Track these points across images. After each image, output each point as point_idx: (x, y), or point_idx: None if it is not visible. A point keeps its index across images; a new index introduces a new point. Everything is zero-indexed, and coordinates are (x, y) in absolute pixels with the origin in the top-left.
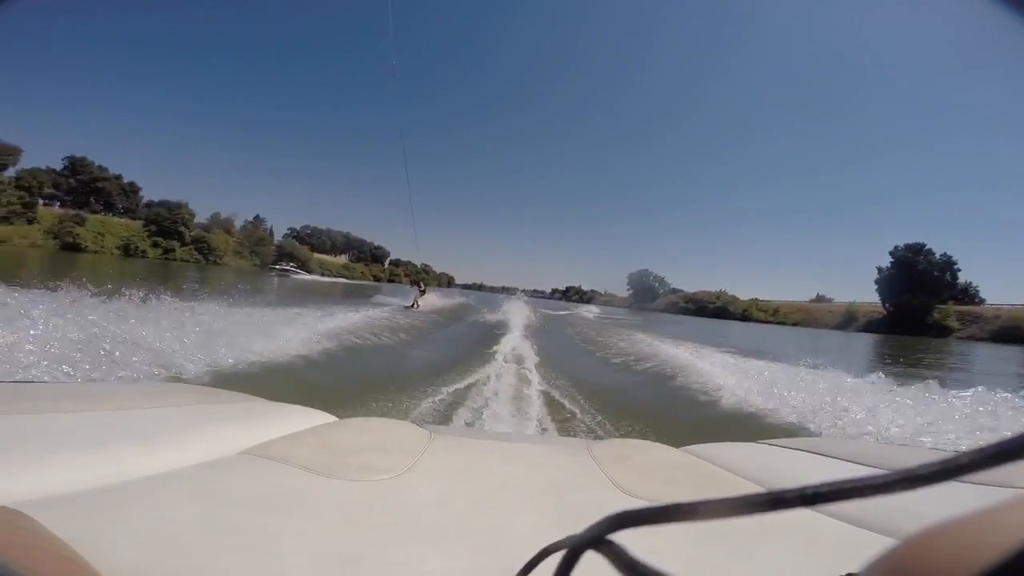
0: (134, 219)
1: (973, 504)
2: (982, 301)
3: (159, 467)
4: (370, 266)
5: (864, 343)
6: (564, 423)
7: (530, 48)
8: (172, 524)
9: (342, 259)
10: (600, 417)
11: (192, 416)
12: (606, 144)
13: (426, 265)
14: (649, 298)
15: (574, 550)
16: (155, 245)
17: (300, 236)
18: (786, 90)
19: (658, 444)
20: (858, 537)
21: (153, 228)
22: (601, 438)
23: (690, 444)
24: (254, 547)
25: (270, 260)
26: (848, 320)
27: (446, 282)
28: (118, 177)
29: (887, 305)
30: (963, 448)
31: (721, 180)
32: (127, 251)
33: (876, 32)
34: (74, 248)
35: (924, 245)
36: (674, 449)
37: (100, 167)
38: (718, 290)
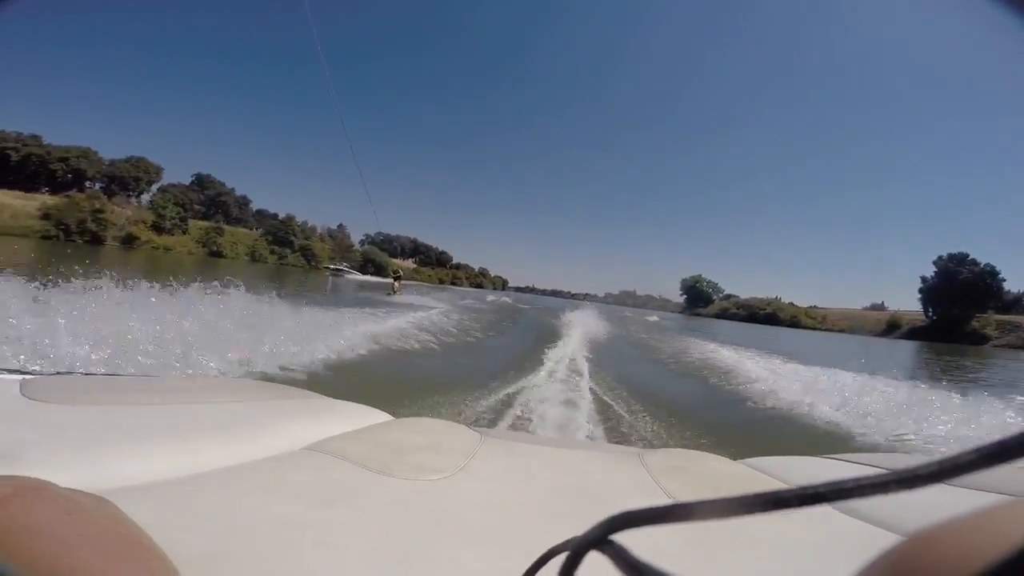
0: (248, 228)
1: (977, 503)
2: None
3: (230, 459)
4: (436, 269)
5: (895, 347)
6: (613, 423)
7: (595, 51)
8: (240, 515)
9: (410, 263)
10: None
11: (260, 411)
12: (664, 148)
13: (484, 269)
14: (702, 303)
15: (577, 551)
16: (272, 252)
17: (374, 242)
18: (845, 100)
19: (715, 456)
20: (864, 534)
21: (270, 237)
22: (654, 447)
23: (750, 456)
24: (313, 540)
25: (356, 265)
26: (891, 328)
27: (500, 284)
28: (232, 191)
29: (929, 313)
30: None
31: (782, 189)
32: (253, 257)
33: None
34: (217, 255)
35: (967, 255)
36: (732, 461)
37: (220, 182)
38: (773, 297)
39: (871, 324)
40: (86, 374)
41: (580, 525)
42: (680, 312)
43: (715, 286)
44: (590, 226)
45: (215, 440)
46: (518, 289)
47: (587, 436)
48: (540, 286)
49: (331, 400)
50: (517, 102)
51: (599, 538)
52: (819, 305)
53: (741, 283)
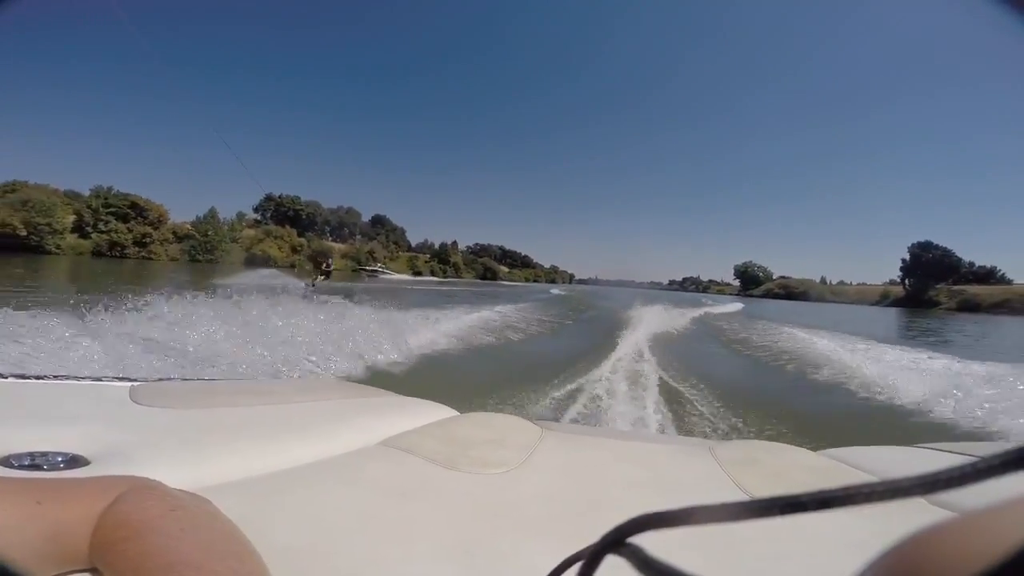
0: (412, 251)
1: (978, 503)
2: (1004, 280)
3: (314, 455)
4: (523, 271)
5: (881, 313)
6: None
7: (654, 42)
8: (323, 508)
9: (503, 268)
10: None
11: (339, 409)
12: (722, 138)
13: (555, 266)
14: (753, 286)
15: (594, 555)
16: (441, 270)
17: (473, 251)
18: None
19: (792, 447)
20: (866, 533)
21: (435, 260)
22: (728, 438)
23: (829, 447)
24: (388, 533)
25: (478, 275)
26: (883, 298)
27: (568, 279)
28: (396, 228)
29: (905, 285)
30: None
31: (821, 177)
32: (432, 272)
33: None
34: (416, 274)
35: (931, 242)
36: (810, 452)
37: (388, 218)
38: (808, 277)
39: (872, 296)
40: (184, 380)
41: None
42: (736, 294)
43: (764, 269)
44: (652, 214)
45: (299, 437)
46: (580, 281)
47: (657, 428)
48: (604, 277)
49: (401, 397)
50: (573, 100)
51: (617, 541)
52: (845, 281)
53: (788, 264)
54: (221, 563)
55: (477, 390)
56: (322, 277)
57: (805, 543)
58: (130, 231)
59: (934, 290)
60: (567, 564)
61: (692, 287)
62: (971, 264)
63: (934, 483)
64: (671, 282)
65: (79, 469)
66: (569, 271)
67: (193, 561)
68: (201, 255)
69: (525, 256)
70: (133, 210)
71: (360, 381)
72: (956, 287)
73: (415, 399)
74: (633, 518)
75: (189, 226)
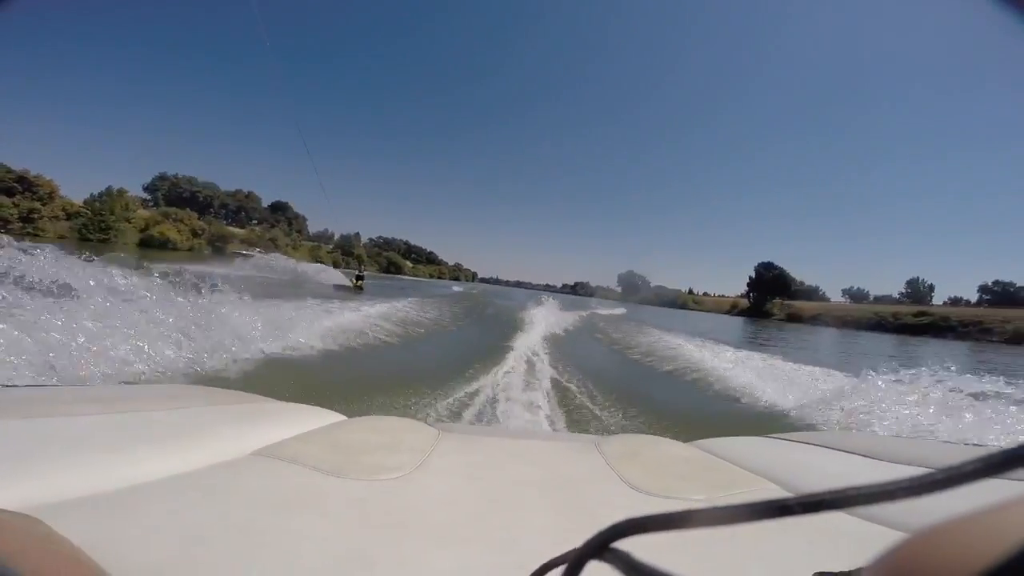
0: (310, 241)
1: (980, 502)
2: (824, 298)
3: (172, 469)
4: (427, 267)
5: (726, 320)
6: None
7: (544, 55)
8: (185, 525)
9: (408, 263)
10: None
11: (204, 417)
12: (612, 150)
13: (459, 264)
14: (633, 293)
15: (579, 559)
16: (344, 262)
17: (377, 244)
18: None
19: (667, 439)
20: (866, 532)
21: (339, 251)
22: (612, 433)
23: (698, 437)
24: (266, 547)
25: (381, 268)
26: (732, 308)
27: (471, 277)
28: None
29: (750, 298)
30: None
31: (699, 190)
32: (335, 264)
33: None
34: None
35: (772, 263)
36: (683, 444)
37: (290, 205)
38: (683, 289)
39: (725, 306)
40: (7, 386)
41: (542, 517)
42: (618, 299)
43: (643, 278)
44: (550, 222)
45: (155, 449)
46: (483, 280)
47: (550, 424)
48: (504, 277)
49: (280, 403)
50: (488, 101)
51: (602, 545)
52: (708, 292)
53: (664, 275)
54: None
55: (368, 393)
56: (359, 282)
57: (795, 545)
58: (16, 205)
59: (770, 303)
60: (546, 568)
61: (582, 291)
62: (801, 283)
63: (923, 486)
64: (564, 285)
65: None
66: (473, 269)
67: None
68: (93, 234)
69: (430, 252)
70: (20, 184)
71: (228, 386)
72: (787, 301)
73: (295, 404)
74: (618, 522)
75: (81, 204)
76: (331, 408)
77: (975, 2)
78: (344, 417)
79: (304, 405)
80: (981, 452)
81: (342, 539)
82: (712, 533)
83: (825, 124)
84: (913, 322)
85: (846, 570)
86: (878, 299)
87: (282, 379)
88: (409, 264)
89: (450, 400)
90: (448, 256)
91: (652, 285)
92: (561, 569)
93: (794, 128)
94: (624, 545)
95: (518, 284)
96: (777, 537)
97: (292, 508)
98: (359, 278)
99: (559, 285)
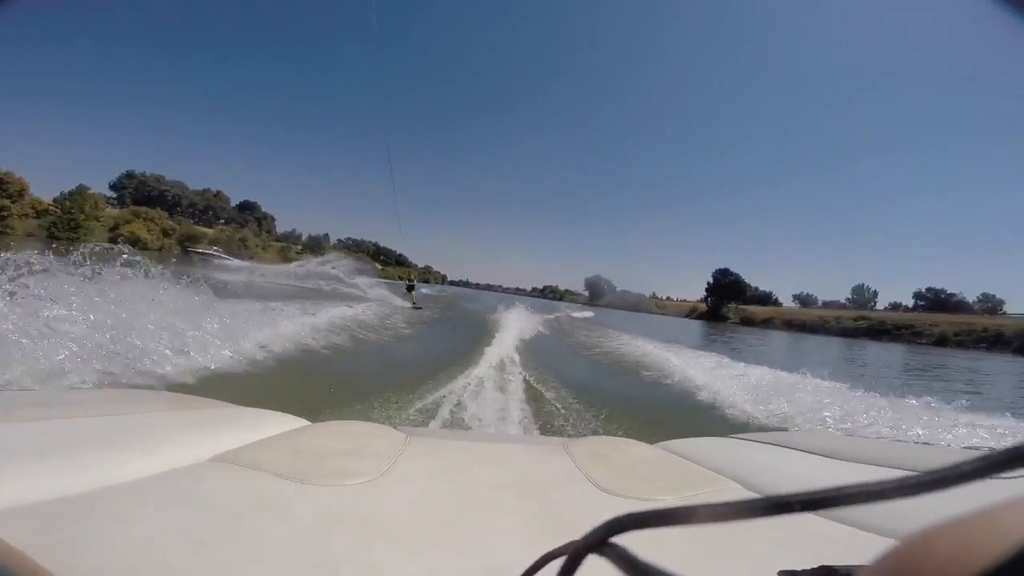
0: (279, 241)
1: (973, 504)
2: (777, 303)
3: (126, 475)
4: (397, 269)
5: (686, 323)
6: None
7: (518, 56)
8: (140, 533)
9: (377, 265)
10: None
11: (160, 422)
12: (580, 156)
13: (429, 266)
14: (599, 297)
15: (577, 554)
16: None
17: (347, 246)
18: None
19: (633, 441)
20: (859, 535)
21: (307, 250)
22: (581, 435)
23: (663, 437)
24: (225, 555)
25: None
26: (692, 312)
27: (441, 279)
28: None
29: (708, 302)
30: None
31: (661, 196)
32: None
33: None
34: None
35: (728, 269)
36: (648, 445)
37: (258, 204)
38: (647, 293)
39: (685, 310)
40: None
41: (511, 520)
42: (585, 303)
43: (609, 283)
44: (519, 225)
45: (108, 455)
46: (453, 283)
47: (519, 427)
48: (474, 280)
49: (241, 408)
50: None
51: (600, 541)
52: (671, 296)
53: (628, 279)
54: None
55: (333, 397)
56: (411, 292)
57: (792, 542)
58: None
59: (727, 308)
60: (543, 562)
61: (551, 295)
62: (756, 288)
63: (922, 485)
64: (533, 289)
65: None
66: (443, 272)
67: None
68: (62, 232)
69: (400, 255)
70: None
71: (188, 391)
72: (741, 306)
73: (255, 409)
74: (616, 517)
75: (51, 203)
76: (293, 413)
77: (975, 2)
78: (307, 422)
79: (266, 410)
80: (935, 451)
81: (305, 546)
82: (704, 533)
83: (787, 128)
84: (853, 326)
85: (808, 568)
86: (826, 304)
87: (243, 385)
88: (378, 266)
89: (419, 405)
90: (418, 259)
91: (618, 289)
92: (560, 562)
93: (757, 134)
94: (620, 539)
95: (488, 287)
96: (742, 536)
97: (253, 515)
98: (410, 287)
99: (528, 288)
